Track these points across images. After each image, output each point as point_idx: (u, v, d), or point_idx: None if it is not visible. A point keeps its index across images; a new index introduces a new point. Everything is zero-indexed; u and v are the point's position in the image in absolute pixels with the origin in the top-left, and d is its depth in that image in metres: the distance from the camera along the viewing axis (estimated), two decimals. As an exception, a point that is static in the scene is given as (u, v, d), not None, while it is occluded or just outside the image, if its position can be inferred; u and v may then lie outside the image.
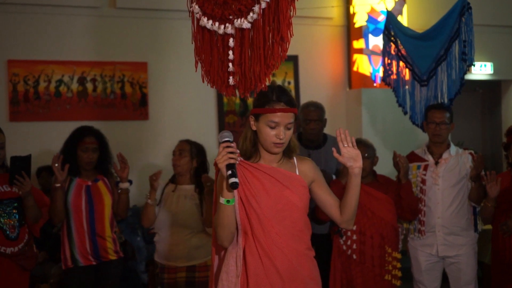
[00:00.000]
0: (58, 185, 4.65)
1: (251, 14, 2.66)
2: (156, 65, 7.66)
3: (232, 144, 2.97)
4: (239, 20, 2.73)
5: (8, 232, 4.53)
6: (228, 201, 3.00)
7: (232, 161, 2.93)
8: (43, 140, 7.07)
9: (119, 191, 4.89)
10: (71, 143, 4.85)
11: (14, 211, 4.58)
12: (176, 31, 7.59)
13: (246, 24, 2.70)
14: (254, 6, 2.65)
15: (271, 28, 2.62)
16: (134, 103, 7.57)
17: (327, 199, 3.25)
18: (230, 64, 2.84)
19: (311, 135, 5.52)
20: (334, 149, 3.20)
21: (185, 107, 7.78)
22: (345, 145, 3.16)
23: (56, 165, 4.62)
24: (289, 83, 8.27)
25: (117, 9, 7.51)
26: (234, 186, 2.88)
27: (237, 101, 8.00)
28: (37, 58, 7.22)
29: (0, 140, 4.57)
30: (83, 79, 7.37)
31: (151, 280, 5.88)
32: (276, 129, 3.05)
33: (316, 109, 5.54)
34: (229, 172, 2.89)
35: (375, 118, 8.21)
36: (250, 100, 8.04)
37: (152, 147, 7.60)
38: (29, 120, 7.19)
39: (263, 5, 2.61)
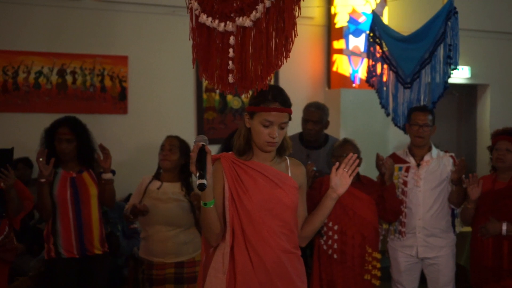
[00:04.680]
0: (43, 180, 4.55)
1: (254, 13, 2.64)
2: (136, 59, 7.60)
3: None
4: (241, 18, 2.72)
5: (-12, 224, 4.49)
6: (205, 204, 3.00)
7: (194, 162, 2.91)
8: (21, 131, 7.01)
9: (102, 182, 4.83)
10: (48, 135, 4.80)
11: (-5, 203, 4.54)
12: (158, 26, 7.57)
13: (248, 23, 2.69)
14: (257, 5, 2.63)
15: (275, 28, 2.61)
16: (114, 97, 7.52)
17: (298, 210, 3.24)
18: (230, 62, 2.83)
19: (308, 135, 5.55)
20: (337, 163, 3.24)
21: (165, 102, 7.75)
22: (345, 169, 3.21)
23: (41, 159, 4.52)
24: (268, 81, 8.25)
25: (100, 2, 7.44)
26: (200, 187, 2.86)
27: (217, 97, 7.98)
28: (16, 49, 7.14)
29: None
30: (63, 71, 7.30)
31: (132, 275, 5.85)
32: (270, 128, 3.06)
33: (316, 110, 5.54)
34: (198, 173, 2.89)
35: (350, 118, 8.23)
36: (229, 97, 8.03)
37: (131, 141, 7.57)
38: (7, 111, 7.11)
39: (268, 4, 2.60)
